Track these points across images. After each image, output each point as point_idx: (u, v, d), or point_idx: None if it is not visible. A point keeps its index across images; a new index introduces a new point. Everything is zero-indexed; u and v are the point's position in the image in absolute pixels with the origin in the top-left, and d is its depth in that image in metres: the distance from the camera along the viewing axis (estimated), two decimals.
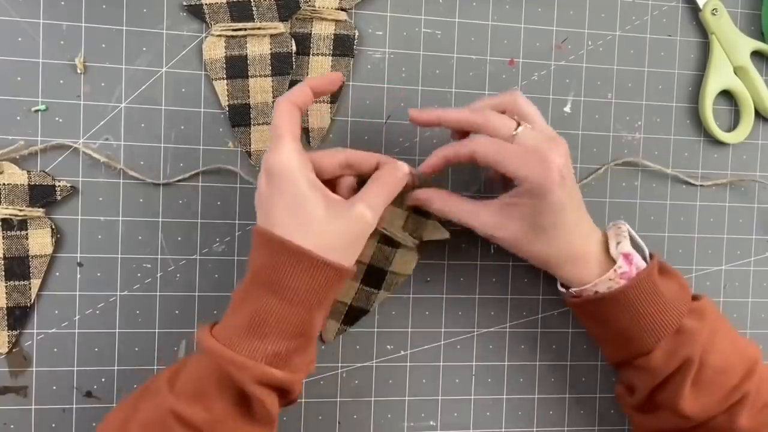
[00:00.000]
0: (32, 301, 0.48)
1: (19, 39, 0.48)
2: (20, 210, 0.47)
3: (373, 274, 0.52)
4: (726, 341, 0.47)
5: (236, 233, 0.51)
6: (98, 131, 0.49)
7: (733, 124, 0.58)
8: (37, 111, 0.48)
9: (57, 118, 0.49)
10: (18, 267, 0.48)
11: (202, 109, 0.51)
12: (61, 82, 0.49)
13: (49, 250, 0.48)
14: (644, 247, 0.48)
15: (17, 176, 0.47)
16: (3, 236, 0.47)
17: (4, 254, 0.47)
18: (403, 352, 0.54)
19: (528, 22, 0.55)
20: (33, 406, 0.49)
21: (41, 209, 0.48)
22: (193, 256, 0.51)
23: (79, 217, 0.49)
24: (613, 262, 0.46)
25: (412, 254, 0.52)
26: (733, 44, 0.56)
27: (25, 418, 0.49)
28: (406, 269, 0.52)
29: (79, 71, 0.49)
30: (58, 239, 0.49)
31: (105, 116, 0.49)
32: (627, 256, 0.46)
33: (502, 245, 0.48)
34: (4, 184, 0.47)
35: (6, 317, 0.48)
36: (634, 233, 0.48)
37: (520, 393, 0.56)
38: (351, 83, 0.53)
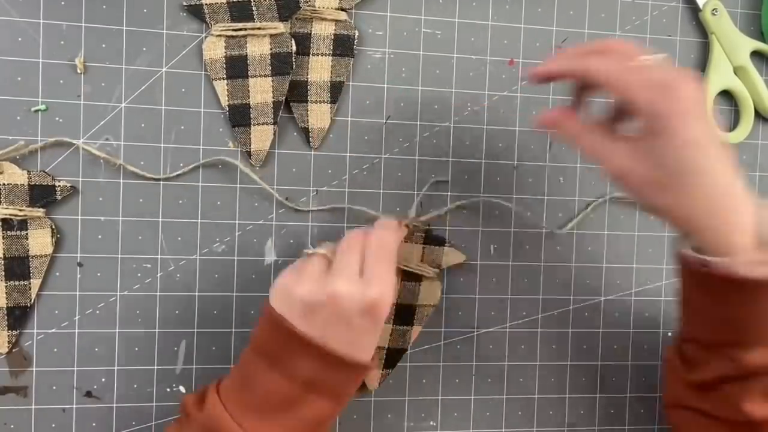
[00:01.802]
0: (32, 301, 0.48)
1: (19, 39, 0.48)
2: (20, 210, 0.47)
3: (403, 312, 0.53)
4: None
5: (236, 233, 0.51)
6: (98, 131, 0.49)
7: (733, 124, 0.58)
8: (37, 111, 0.48)
9: (57, 118, 0.49)
10: (18, 267, 0.48)
11: (202, 109, 0.51)
12: (61, 82, 0.49)
13: (49, 250, 0.48)
14: None
15: (17, 176, 0.47)
16: (3, 236, 0.47)
17: (4, 254, 0.47)
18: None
19: (528, 22, 0.55)
20: (33, 406, 0.49)
21: (41, 209, 0.48)
22: (193, 256, 0.51)
23: (79, 217, 0.49)
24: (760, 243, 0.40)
25: (435, 284, 0.53)
26: (733, 44, 0.56)
27: (25, 418, 0.49)
28: (433, 299, 0.53)
29: (79, 71, 0.49)
30: (58, 239, 0.49)
31: (105, 116, 0.49)
32: None
33: (635, 196, 0.41)
34: (4, 184, 0.47)
35: (6, 317, 0.48)
36: None
37: (520, 393, 0.56)
38: (351, 83, 0.53)
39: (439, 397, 0.55)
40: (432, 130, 0.54)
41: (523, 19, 0.55)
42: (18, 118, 0.48)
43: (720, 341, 0.43)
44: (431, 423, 0.55)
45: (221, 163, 0.51)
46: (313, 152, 0.52)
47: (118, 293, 0.50)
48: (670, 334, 0.58)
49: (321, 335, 0.41)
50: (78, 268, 0.49)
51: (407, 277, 0.52)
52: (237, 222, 0.51)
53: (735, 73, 0.57)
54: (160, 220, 0.50)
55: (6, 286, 0.48)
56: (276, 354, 0.42)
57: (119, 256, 0.50)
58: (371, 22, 0.53)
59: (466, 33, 0.54)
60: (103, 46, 0.49)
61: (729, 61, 0.57)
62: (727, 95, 0.58)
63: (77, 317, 0.50)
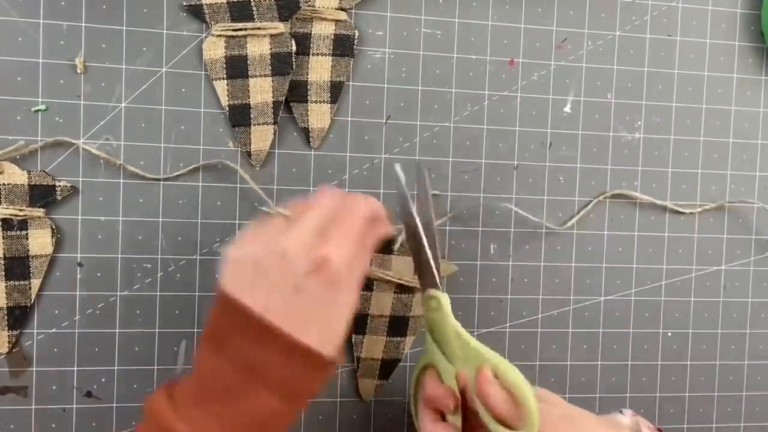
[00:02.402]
0: (32, 301, 0.48)
1: (19, 39, 0.48)
2: (20, 210, 0.47)
3: (396, 324, 0.53)
4: None
5: (236, 233, 0.51)
6: (98, 131, 0.49)
7: None
8: (37, 111, 0.48)
9: (57, 118, 0.49)
10: (18, 267, 0.48)
11: (202, 109, 0.51)
12: (61, 82, 0.49)
13: (49, 250, 0.48)
14: None
15: (17, 176, 0.47)
16: (3, 236, 0.47)
17: (4, 254, 0.47)
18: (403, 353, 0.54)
19: (528, 22, 0.55)
20: (33, 406, 0.49)
21: (41, 209, 0.48)
22: (193, 256, 0.51)
23: (79, 217, 0.49)
24: None
25: None
26: None
27: (25, 418, 0.49)
28: None
29: (79, 71, 0.49)
30: (58, 239, 0.49)
31: (105, 116, 0.49)
32: None
33: None
34: (4, 184, 0.47)
35: (6, 317, 0.48)
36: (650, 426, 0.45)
37: None
38: (351, 83, 0.53)
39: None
40: (432, 130, 0.54)
41: (523, 19, 0.55)
42: (18, 118, 0.48)
43: None
44: None
45: (221, 163, 0.51)
46: (313, 152, 0.52)
47: (118, 293, 0.50)
48: (670, 334, 0.58)
49: (264, 305, 0.36)
50: (78, 268, 0.49)
51: (400, 289, 0.52)
52: (237, 222, 0.51)
53: None
54: (160, 220, 0.50)
55: (6, 286, 0.48)
56: (220, 334, 0.37)
57: (119, 256, 0.50)
58: (371, 22, 0.53)
59: (466, 33, 0.54)
60: (103, 46, 0.49)
61: None
62: None
63: (77, 317, 0.50)
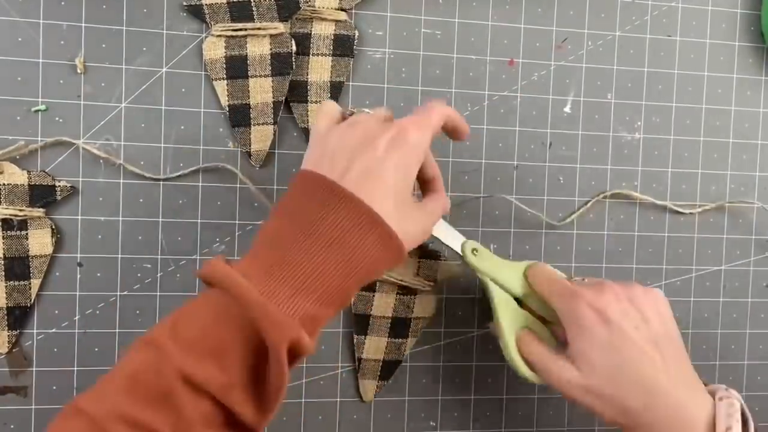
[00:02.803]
0: (32, 301, 0.48)
1: (19, 39, 0.48)
2: (20, 210, 0.47)
3: (398, 325, 0.53)
4: None
5: (236, 233, 0.51)
6: (98, 131, 0.49)
7: None
8: (37, 111, 0.48)
9: (57, 118, 0.49)
10: (18, 267, 0.48)
11: (202, 109, 0.51)
12: (61, 82, 0.49)
13: (49, 250, 0.48)
14: (751, 421, 0.42)
15: (17, 176, 0.47)
16: (3, 236, 0.47)
17: (4, 254, 0.47)
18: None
19: (528, 22, 0.55)
20: (33, 406, 0.49)
21: (41, 209, 0.48)
22: (193, 256, 0.51)
23: (79, 217, 0.49)
24: None
25: (430, 297, 0.53)
26: None
27: (25, 418, 0.49)
28: (427, 312, 0.53)
29: (79, 71, 0.49)
30: (58, 239, 0.49)
31: (105, 116, 0.49)
32: None
33: (579, 405, 0.44)
34: (4, 184, 0.47)
35: (6, 317, 0.48)
36: (746, 408, 0.42)
37: (520, 393, 0.56)
38: (351, 83, 0.53)
39: (439, 397, 0.55)
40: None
41: (523, 19, 0.55)
42: (18, 118, 0.48)
43: None
44: (431, 423, 0.55)
45: (221, 163, 0.51)
46: None
47: (118, 293, 0.50)
48: None
49: (346, 167, 0.37)
50: (78, 268, 0.49)
51: (402, 290, 0.52)
52: (237, 222, 0.51)
53: None
54: (160, 220, 0.50)
55: (6, 286, 0.48)
56: (292, 208, 0.38)
57: (119, 256, 0.50)
58: (371, 22, 0.53)
59: (466, 33, 0.54)
60: (103, 46, 0.49)
61: None
62: None
63: (77, 317, 0.50)
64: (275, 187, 0.52)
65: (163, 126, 0.50)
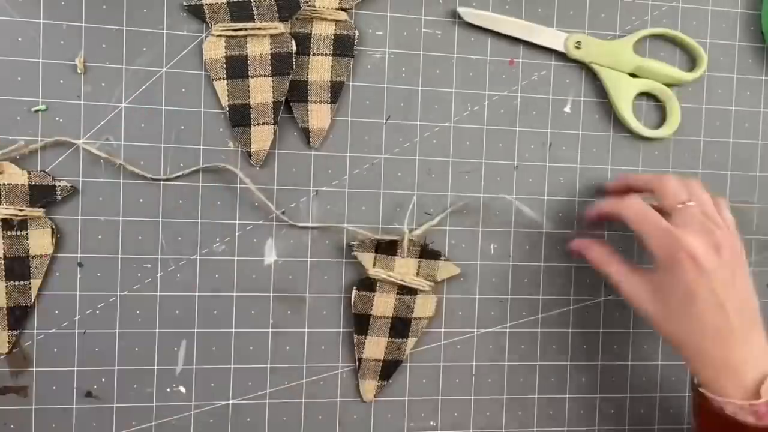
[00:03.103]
0: (32, 301, 0.48)
1: (19, 39, 0.48)
2: (20, 210, 0.47)
3: (398, 325, 0.53)
4: None
5: (236, 233, 0.51)
6: (98, 131, 0.49)
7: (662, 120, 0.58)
8: (37, 111, 0.48)
9: (57, 118, 0.49)
10: (18, 267, 0.48)
11: (202, 109, 0.51)
12: (61, 82, 0.49)
13: (50, 250, 0.48)
14: None
15: (17, 176, 0.47)
16: (3, 236, 0.47)
17: (4, 254, 0.47)
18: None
19: (528, 21, 0.55)
20: (33, 406, 0.49)
21: (41, 209, 0.48)
22: (193, 256, 0.51)
23: (79, 217, 0.49)
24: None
25: (431, 297, 0.53)
26: (617, 78, 0.55)
27: (25, 418, 0.49)
28: (427, 312, 0.53)
29: (79, 71, 0.49)
30: (58, 239, 0.49)
31: (105, 116, 0.49)
32: None
33: (646, 321, 0.47)
34: (4, 184, 0.47)
35: (6, 317, 0.48)
36: None
37: (520, 393, 0.56)
38: (351, 83, 0.53)
39: (439, 397, 0.55)
40: (432, 130, 0.54)
41: (523, 19, 0.55)
42: (18, 118, 0.48)
43: None
44: (431, 423, 0.55)
45: (221, 162, 0.51)
46: (313, 152, 0.52)
47: (118, 293, 0.50)
48: None
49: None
50: (78, 268, 0.49)
51: (402, 290, 0.52)
52: (237, 222, 0.51)
53: (636, 75, 0.56)
54: (160, 220, 0.50)
55: (6, 286, 0.48)
56: None
57: (119, 256, 0.50)
58: (371, 22, 0.53)
59: (466, 33, 0.54)
60: (103, 46, 0.49)
61: (621, 82, 0.55)
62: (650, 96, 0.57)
63: (77, 317, 0.50)
64: (275, 187, 0.52)
65: (163, 126, 0.50)
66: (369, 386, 0.53)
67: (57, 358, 0.49)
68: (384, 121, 0.53)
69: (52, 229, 0.48)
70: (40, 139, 0.48)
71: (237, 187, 0.51)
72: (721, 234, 0.46)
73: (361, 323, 0.52)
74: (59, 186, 0.48)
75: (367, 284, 0.52)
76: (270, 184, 0.52)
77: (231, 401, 0.52)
